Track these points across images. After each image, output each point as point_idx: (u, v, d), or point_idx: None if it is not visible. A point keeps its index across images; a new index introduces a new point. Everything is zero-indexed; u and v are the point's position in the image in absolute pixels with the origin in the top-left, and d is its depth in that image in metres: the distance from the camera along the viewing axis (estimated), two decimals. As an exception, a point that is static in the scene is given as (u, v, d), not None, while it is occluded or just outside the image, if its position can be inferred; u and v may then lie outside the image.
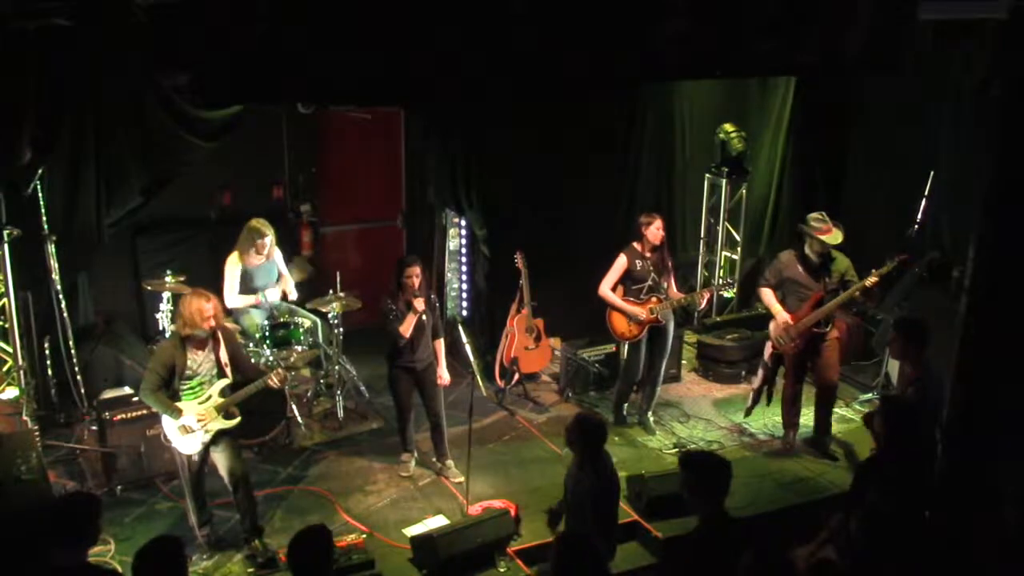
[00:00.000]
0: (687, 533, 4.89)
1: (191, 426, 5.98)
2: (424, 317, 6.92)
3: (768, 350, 7.73)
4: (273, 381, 6.16)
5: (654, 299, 7.73)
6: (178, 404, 5.98)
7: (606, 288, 7.76)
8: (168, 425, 6.04)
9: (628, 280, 7.75)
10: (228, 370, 6.15)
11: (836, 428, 8.00)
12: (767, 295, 7.62)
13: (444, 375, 7.23)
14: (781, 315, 7.46)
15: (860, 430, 7.97)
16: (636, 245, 7.72)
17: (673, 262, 8.00)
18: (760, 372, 7.91)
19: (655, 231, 7.62)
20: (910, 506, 5.11)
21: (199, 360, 6.04)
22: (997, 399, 4.67)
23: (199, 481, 6.24)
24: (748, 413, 8.07)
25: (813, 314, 7.32)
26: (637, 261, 7.69)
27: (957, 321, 4.72)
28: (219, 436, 6.11)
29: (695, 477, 4.76)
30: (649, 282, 7.71)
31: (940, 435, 5.36)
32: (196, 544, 6.19)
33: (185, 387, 6.02)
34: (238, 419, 6.17)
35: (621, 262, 7.72)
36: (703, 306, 7.99)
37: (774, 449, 7.84)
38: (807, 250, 7.39)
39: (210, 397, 6.06)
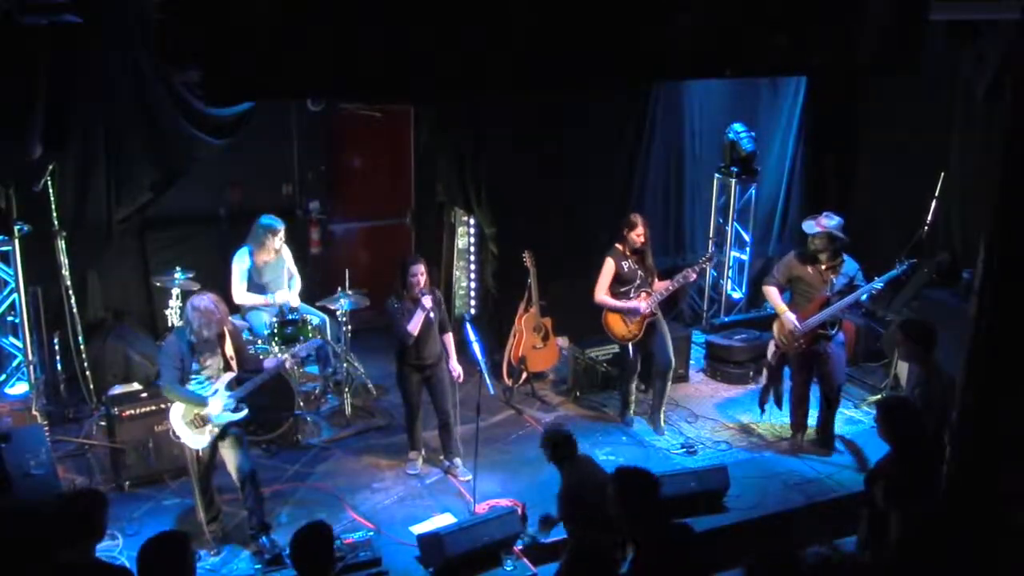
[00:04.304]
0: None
1: (206, 418, 6.02)
2: (432, 314, 6.94)
3: (771, 349, 7.73)
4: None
5: (644, 293, 7.74)
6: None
7: (601, 294, 7.76)
8: (176, 421, 6.06)
9: (616, 283, 7.74)
10: (234, 363, 6.19)
11: (845, 429, 8.04)
12: (773, 293, 7.57)
13: (456, 367, 7.23)
14: (787, 315, 7.43)
15: (869, 431, 7.95)
16: (619, 247, 7.73)
17: (653, 260, 7.94)
18: (764, 373, 7.90)
19: (636, 237, 7.62)
20: (916, 508, 5.10)
21: (205, 356, 6.09)
22: (1006, 402, 4.66)
23: (208, 477, 6.25)
24: (763, 412, 8.07)
25: (819, 315, 7.29)
26: (623, 263, 7.71)
27: (967, 323, 4.71)
28: (227, 432, 6.12)
29: (622, 495, 4.21)
30: (637, 281, 7.73)
31: (948, 437, 5.34)
32: (204, 540, 6.19)
33: (193, 381, 6.07)
34: (245, 412, 6.20)
35: (610, 267, 7.72)
36: (693, 279, 7.82)
37: (782, 450, 7.81)
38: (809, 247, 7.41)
39: (217, 391, 6.09)
